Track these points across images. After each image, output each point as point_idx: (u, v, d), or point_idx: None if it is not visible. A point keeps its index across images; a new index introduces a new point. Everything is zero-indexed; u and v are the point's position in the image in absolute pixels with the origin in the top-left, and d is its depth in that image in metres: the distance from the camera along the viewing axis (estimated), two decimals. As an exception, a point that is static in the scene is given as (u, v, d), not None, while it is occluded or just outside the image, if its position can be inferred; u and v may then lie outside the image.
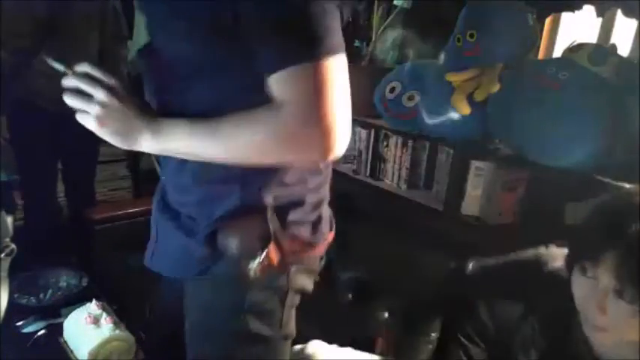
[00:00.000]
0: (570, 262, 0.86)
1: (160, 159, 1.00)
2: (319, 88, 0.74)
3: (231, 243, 0.86)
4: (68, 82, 0.84)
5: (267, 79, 0.76)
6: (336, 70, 0.75)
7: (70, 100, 0.83)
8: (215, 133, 0.79)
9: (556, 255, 0.98)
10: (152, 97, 0.91)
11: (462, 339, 1.10)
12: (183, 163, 0.88)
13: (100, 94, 0.82)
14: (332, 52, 0.75)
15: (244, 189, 0.87)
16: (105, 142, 0.86)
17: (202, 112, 0.81)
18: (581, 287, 0.83)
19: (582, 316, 0.84)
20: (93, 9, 2.24)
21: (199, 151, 0.81)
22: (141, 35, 2.45)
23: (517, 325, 0.96)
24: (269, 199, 0.87)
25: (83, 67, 0.84)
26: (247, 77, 0.79)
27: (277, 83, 0.75)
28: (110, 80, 0.83)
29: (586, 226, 0.85)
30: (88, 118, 0.83)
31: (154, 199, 1.02)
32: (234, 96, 0.81)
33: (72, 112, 0.85)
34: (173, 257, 0.96)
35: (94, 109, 0.82)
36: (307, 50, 0.74)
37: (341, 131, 0.76)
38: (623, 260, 0.75)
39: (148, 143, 0.83)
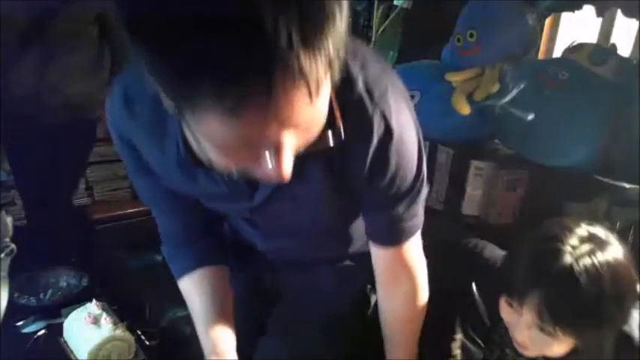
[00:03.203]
0: (497, 293, 0.96)
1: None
2: None
3: None
4: None
5: (394, 249, 0.93)
6: None
7: None
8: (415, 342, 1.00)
9: None
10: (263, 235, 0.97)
11: (463, 338, 1.10)
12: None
13: None
14: None
15: None
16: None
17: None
18: (507, 315, 0.94)
19: (510, 331, 0.96)
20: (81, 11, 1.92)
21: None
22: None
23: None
24: None
25: None
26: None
27: (408, 249, 0.93)
28: None
29: (514, 265, 0.93)
30: None
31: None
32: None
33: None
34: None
35: None
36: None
37: None
38: (544, 303, 0.85)
39: None
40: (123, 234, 2.38)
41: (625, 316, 0.90)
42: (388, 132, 0.76)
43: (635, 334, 0.92)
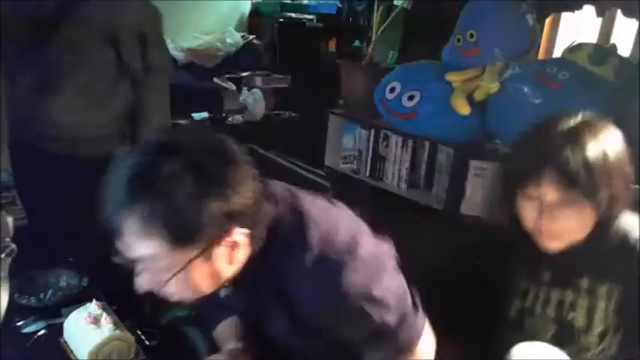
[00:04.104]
0: (512, 192, 1.00)
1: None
2: None
3: None
4: None
5: None
6: None
7: None
8: None
9: None
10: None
11: None
12: None
13: None
14: None
15: None
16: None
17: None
18: (529, 210, 0.97)
19: (534, 233, 0.99)
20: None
21: None
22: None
23: None
24: None
25: None
26: None
27: None
28: None
29: (521, 158, 1.01)
30: None
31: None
32: None
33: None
34: None
35: None
36: None
37: None
38: (561, 172, 0.92)
39: None
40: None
41: (627, 184, 0.97)
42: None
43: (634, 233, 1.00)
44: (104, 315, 1.17)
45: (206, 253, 0.78)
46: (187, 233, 0.75)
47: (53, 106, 1.68)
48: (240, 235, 0.80)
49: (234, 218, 0.77)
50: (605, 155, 0.93)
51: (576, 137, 0.94)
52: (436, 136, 1.95)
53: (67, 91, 1.67)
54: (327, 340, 0.93)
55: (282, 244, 0.86)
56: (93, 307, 1.19)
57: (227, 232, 0.78)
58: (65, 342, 1.18)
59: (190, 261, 0.77)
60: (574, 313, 1.04)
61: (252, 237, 0.83)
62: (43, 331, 1.23)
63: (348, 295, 0.84)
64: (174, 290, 0.82)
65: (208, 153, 0.76)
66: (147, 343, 1.27)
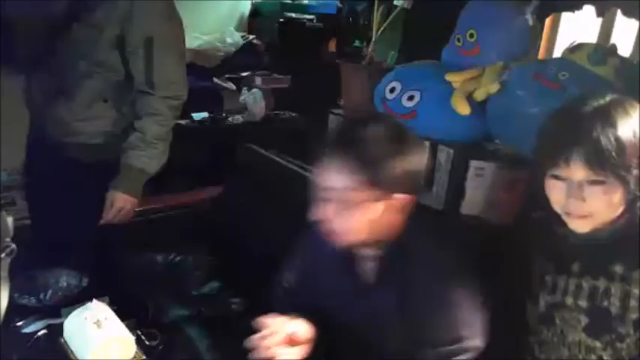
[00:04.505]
0: (540, 175, 1.03)
1: None
2: None
3: None
4: None
5: None
6: None
7: None
8: None
9: None
10: None
11: None
12: None
13: None
14: None
15: None
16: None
17: None
18: (557, 190, 1.00)
19: (563, 214, 1.01)
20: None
21: None
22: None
23: None
24: None
25: None
26: None
27: None
28: None
29: (550, 138, 1.02)
30: None
31: None
32: None
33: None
34: None
35: None
36: None
37: None
38: (591, 151, 0.93)
39: None
40: (123, 233, 2.38)
41: None
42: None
43: None
44: (104, 315, 1.17)
45: (375, 200, 1.02)
46: (378, 178, 1.02)
47: (64, 111, 1.67)
48: (401, 200, 1.05)
49: (405, 183, 1.04)
50: (635, 134, 0.94)
51: (606, 116, 0.95)
52: (436, 136, 1.94)
53: (78, 96, 1.65)
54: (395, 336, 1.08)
55: (432, 244, 1.11)
56: (93, 307, 1.19)
57: (395, 191, 1.04)
58: (65, 342, 1.18)
59: (364, 201, 1.02)
60: (608, 300, 1.02)
61: (406, 208, 1.07)
62: (43, 331, 1.24)
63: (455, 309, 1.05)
64: (341, 222, 1.04)
65: (398, 127, 1.10)
66: (147, 343, 1.27)
